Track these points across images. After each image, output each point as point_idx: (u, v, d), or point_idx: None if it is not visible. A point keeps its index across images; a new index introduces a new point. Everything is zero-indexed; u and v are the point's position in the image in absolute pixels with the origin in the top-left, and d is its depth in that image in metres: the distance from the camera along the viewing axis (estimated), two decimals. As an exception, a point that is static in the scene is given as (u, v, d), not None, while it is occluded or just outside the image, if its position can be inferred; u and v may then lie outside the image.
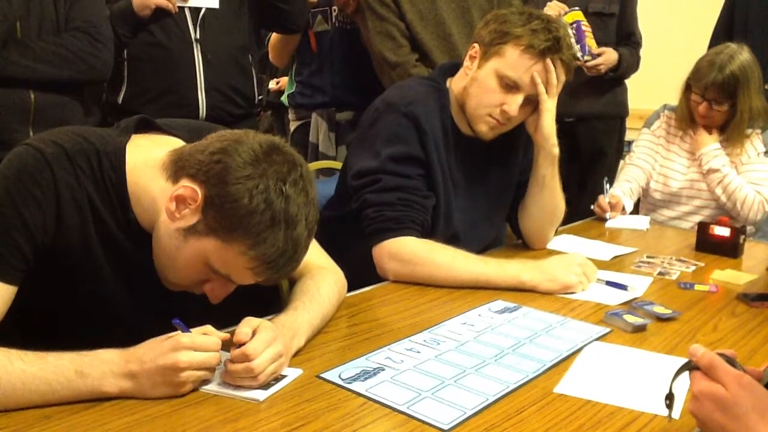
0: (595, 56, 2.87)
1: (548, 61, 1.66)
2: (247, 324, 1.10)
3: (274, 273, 1.11)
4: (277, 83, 4.16)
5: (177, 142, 1.22)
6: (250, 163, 1.07)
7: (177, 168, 1.13)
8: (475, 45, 1.73)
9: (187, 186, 1.09)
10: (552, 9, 2.78)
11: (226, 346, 1.09)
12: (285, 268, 1.12)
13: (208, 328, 1.08)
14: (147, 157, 1.18)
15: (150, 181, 1.16)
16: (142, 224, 1.18)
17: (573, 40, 2.71)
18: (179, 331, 1.05)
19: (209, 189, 1.07)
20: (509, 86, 1.67)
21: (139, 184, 1.17)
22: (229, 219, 1.06)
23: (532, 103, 1.72)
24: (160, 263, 1.16)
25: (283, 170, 1.08)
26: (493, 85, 1.67)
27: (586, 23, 2.81)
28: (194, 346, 1.03)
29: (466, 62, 1.74)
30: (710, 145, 2.45)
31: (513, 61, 1.66)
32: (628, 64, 3.02)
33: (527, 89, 1.68)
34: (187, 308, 1.22)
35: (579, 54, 2.76)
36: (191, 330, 1.06)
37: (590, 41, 2.83)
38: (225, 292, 1.16)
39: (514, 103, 1.68)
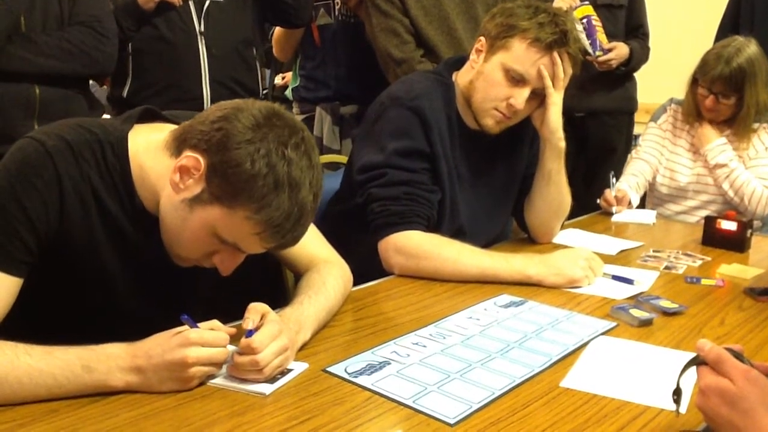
0: (606, 51, 2.85)
1: (555, 54, 1.65)
2: (255, 311, 1.10)
3: (281, 238, 1.11)
4: (283, 78, 4.15)
5: None
6: (250, 128, 1.07)
7: (179, 143, 1.13)
8: (482, 38, 1.72)
9: (190, 156, 1.09)
10: (563, 2, 2.76)
11: (233, 340, 1.08)
12: (292, 233, 1.11)
13: (215, 323, 1.08)
14: (149, 141, 1.19)
15: (154, 161, 1.16)
16: (149, 209, 1.18)
17: (584, 35, 2.70)
18: (187, 327, 1.05)
19: (211, 157, 1.07)
20: (516, 80, 1.66)
21: (143, 167, 1.17)
22: (233, 184, 1.06)
23: (538, 97, 1.71)
24: (168, 238, 1.16)
25: (284, 134, 1.08)
26: (500, 79, 1.67)
27: (597, 18, 2.79)
28: (203, 342, 1.03)
29: (473, 56, 1.74)
30: (716, 140, 2.44)
31: (519, 54, 1.65)
32: (639, 57, 3.00)
33: (534, 83, 1.67)
34: (193, 299, 1.23)
35: (590, 49, 2.74)
36: (199, 325, 1.06)
37: (601, 36, 2.81)
38: (234, 263, 1.16)
39: (520, 96, 1.67)
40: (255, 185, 1.05)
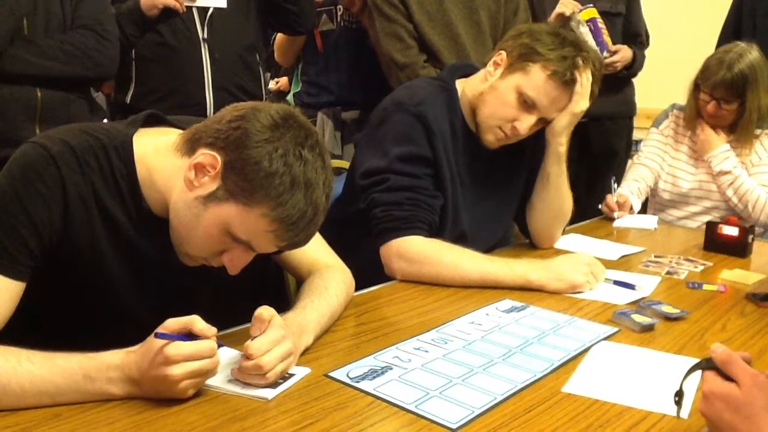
0: (612, 53, 2.86)
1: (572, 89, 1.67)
2: (260, 319, 1.09)
3: (294, 236, 1.12)
4: (277, 83, 4.16)
5: None
6: (268, 128, 1.08)
7: (192, 142, 1.14)
8: (502, 53, 1.71)
9: (206, 153, 1.10)
10: (566, 6, 2.76)
11: (235, 344, 1.09)
12: (305, 231, 1.13)
13: (194, 321, 1.03)
14: (156, 143, 1.20)
15: (163, 163, 1.17)
16: (155, 211, 1.19)
17: (590, 37, 2.71)
18: (166, 341, 1.00)
19: (228, 154, 1.08)
20: (527, 104, 1.66)
21: (150, 169, 1.18)
22: (250, 182, 1.07)
23: (542, 122, 1.72)
24: (178, 236, 1.16)
25: (300, 135, 1.10)
26: (511, 100, 1.67)
27: (602, 20, 2.80)
28: (183, 357, 0.99)
29: (489, 67, 1.73)
30: (719, 147, 2.44)
31: (537, 83, 1.65)
32: (640, 62, 3.02)
33: (543, 112, 1.68)
34: (196, 305, 1.22)
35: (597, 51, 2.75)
36: (180, 319, 1.02)
37: (607, 38, 2.82)
38: (243, 262, 1.16)
39: (526, 122, 1.67)
40: (272, 183, 1.06)
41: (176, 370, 0.99)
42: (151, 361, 1.00)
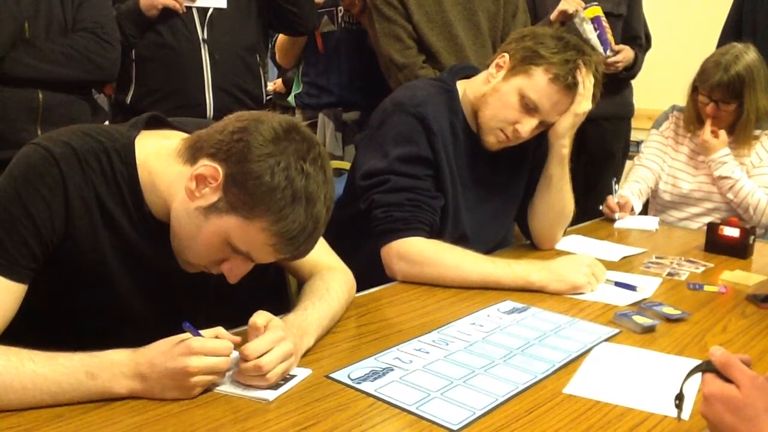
0: (615, 52, 2.86)
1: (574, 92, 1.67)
2: (254, 327, 1.10)
3: (294, 249, 1.12)
4: (274, 84, 4.15)
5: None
6: (271, 141, 1.08)
7: (194, 150, 1.14)
8: (505, 55, 1.71)
9: (207, 165, 1.09)
10: (569, 4, 2.75)
11: (237, 345, 1.09)
12: (305, 245, 1.13)
13: (220, 331, 1.08)
14: (159, 147, 1.19)
15: (165, 168, 1.17)
16: (157, 215, 1.19)
17: (594, 35, 2.70)
18: (189, 335, 1.04)
19: (230, 167, 1.08)
20: (528, 107, 1.67)
21: (152, 173, 1.17)
22: (252, 196, 1.07)
23: (543, 125, 1.72)
24: (179, 243, 1.16)
25: (302, 148, 1.09)
26: (513, 102, 1.67)
27: (606, 19, 2.79)
28: (205, 351, 1.02)
29: (492, 69, 1.73)
30: (719, 152, 2.43)
31: (539, 86, 1.65)
32: (640, 64, 3.02)
33: (544, 115, 1.68)
34: (197, 306, 1.23)
35: (600, 49, 2.74)
36: (204, 332, 1.06)
37: (610, 37, 2.81)
38: (243, 271, 1.16)
39: (528, 124, 1.68)
40: (274, 197, 1.06)
41: (194, 362, 1.01)
42: (170, 351, 1.01)
